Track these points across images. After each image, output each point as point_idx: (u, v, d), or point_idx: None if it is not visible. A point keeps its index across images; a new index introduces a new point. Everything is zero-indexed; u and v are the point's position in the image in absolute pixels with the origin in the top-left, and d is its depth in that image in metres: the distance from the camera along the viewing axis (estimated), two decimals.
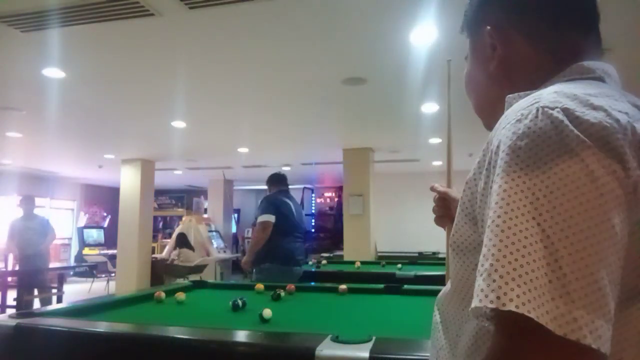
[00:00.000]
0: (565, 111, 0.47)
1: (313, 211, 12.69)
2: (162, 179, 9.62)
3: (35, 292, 5.95)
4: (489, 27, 0.69)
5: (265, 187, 4.37)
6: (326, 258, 6.08)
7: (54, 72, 3.61)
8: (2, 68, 3.57)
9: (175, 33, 2.94)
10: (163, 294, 2.40)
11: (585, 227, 0.43)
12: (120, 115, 5.04)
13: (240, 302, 2.10)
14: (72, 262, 10.58)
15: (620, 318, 0.46)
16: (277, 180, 4.18)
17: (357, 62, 3.44)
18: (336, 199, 12.37)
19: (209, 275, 8.30)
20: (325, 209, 12.68)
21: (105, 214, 12.14)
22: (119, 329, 1.68)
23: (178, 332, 1.60)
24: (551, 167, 0.45)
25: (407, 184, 8.96)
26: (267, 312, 1.83)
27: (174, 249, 8.04)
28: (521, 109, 0.51)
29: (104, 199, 12.08)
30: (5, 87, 4.06)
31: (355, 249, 6.48)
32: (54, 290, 6.08)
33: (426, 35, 2.90)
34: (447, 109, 1.14)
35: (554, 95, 0.51)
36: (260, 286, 2.74)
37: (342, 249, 7.01)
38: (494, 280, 0.42)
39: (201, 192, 11.96)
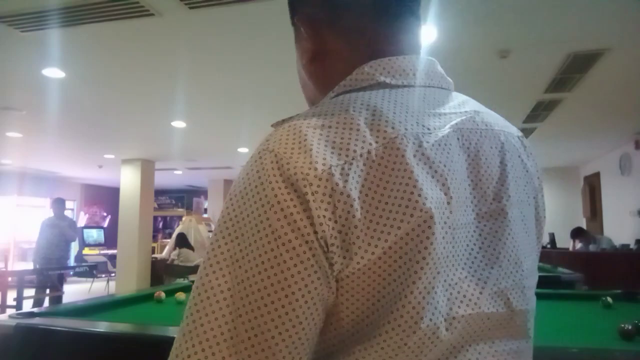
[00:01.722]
0: (277, 157, 0.45)
1: None
2: (162, 179, 9.62)
3: (47, 291, 6.06)
4: (296, 18, 0.62)
5: None
6: None
7: (54, 72, 3.61)
8: (2, 68, 3.57)
9: (175, 33, 2.94)
10: (163, 294, 2.40)
11: (267, 295, 0.42)
12: (120, 115, 5.04)
13: None
14: (72, 262, 10.58)
15: None
16: None
17: None
18: None
19: None
20: None
21: (105, 214, 12.15)
22: (119, 329, 1.68)
23: None
24: (248, 224, 0.44)
25: None
26: None
27: (174, 249, 8.03)
28: (256, 148, 0.49)
29: (104, 199, 12.09)
30: (5, 87, 4.06)
31: None
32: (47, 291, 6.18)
33: (426, 35, 2.90)
34: None
35: (284, 132, 0.47)
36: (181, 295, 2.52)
37: None
38: (179, 346, 0.43)
39: (201, 192, 11.96)
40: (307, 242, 0.42)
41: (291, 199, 0.43)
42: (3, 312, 5.31)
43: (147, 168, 7.88)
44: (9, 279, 5.90)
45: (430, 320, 0.46)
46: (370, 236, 0.44)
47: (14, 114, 4.83)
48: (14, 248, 9.89)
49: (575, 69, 3.50)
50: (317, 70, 0.62)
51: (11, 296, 5.56)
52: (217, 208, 10.79)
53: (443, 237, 0.47)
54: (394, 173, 0.45)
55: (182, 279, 6.81)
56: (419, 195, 0.45)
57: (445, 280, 0.47)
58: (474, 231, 0.51)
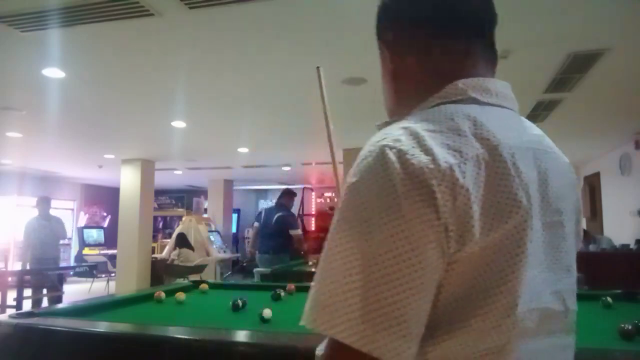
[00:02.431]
0: (399, 153, 0.52)
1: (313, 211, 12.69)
2: (162, 179, 9.62)
3: (44, 291, 6.04)
4: (380, 41, 0.74)
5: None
6: None
7: (54, 72, 3.61)
8: (2, 68, 3.57)
9: (175, 33, 2.94)
10: (163, 294, 2.40)
11: (394, 265, 0.49)
12: (120, 115, 5.04)
13: (240, 302, 2.10)
14: (72, 262, 10.58)
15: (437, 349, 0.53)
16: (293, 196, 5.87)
17: (357, 62, 3.44)
18: (336, 199, 12.34)
19: (209, 275, 8.30)
20: (325, 209, 12.67)
21: (105, 214, 12.14)
22: (119, 329, 1.68)
23: (178, 332, 1.61)
24: (375, 210, 0.51)
25: None
26: (267, 312, 1.82)
27: (174, 249, 8.03)
28: (370, 145, 0.56)
29: (104, 199, 12.08)
30: (5, 87, 4.06)
31: None
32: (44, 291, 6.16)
33: None
34: (324, 117, 1.21)
35: (400, 132, 0.55)
36: (204, 286, 2.83)
37: None
38: (316, 305, 0.52)
39: (201, 192, 11.95)
40: (431, 226, 0.50)
41: (416, 189, 0.50)
42: (3, 312, 5.31)
43: (147, 168, 7.88)
44: (9, 279, 5.90)
45: (522, 306, 0.54)
46: (481, 227, 0.52)
47: (14, 114, 4.83)
48: (14, 248, 9.88)
49: (575, 69, 3.50)
50: (397, 87, 0.72)
51: (11, 296, 5.56)
52: (217, 208, 10.78)
53: (532, 236, 0.56)
54: (498, 175, 0.54)
55: (182, 279, 6.81)
56: (520, 196, 0.55)
57: (530, 274, 0.55)
58: (541, 236, 0.59)
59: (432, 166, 0.51)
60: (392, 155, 0.52)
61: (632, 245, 5.77)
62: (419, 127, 0.56)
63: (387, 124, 0.62)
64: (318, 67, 1.20)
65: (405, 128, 0.56)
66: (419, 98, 0.66)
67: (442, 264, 0.51)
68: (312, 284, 0.53)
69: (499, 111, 0.63)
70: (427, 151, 0.52)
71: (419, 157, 0.52)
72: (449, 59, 0.66)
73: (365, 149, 0.57)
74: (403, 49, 0.69)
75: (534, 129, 0.66)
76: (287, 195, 5.87)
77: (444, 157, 0.52)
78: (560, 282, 0.61)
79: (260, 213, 5.94)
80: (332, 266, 0.51)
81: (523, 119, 0.67)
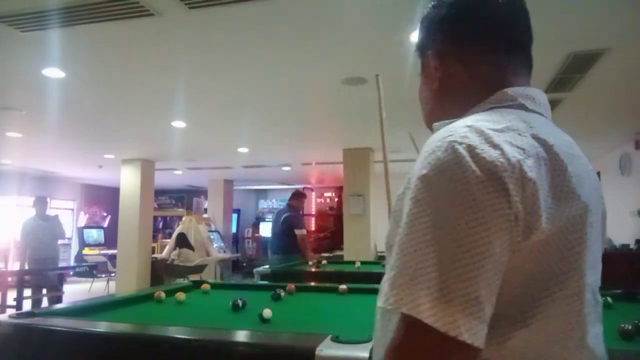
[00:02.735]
0: (469, 147, 0.57)
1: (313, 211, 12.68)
2: (162, 179, 9.61)
3: (44, 291, 6.03)
4: (431, 50, 0.78)
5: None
6: (326, 258, 6.09)
7: (54, 72, 3.61)
8: (2, 68, 3.57)
9: (175, 33, 2.94)
10: (163, 294, 2.40)
11: (469, 250, 0.53)
12: (120, 115, 5.04)
13: (240, 302, 2.10)
14: (72, 262, 10.57)
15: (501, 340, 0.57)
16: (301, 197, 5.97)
17: (357, 62, 3.44)
18: (336, 199, 12.35)
19: (209, 275, 8.30)
20: (325, 209, 12.67)
21: (105, 214, 12.14)
22: (119, 329, 1.68)
23: (178, 332, 1.60)
24: (450, 199, 0.55)
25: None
26: (267, 312, 1.82)
27: (174, 249, 8.03)
28: (437, 141, 0.60)
29: (104, 199, 12.08)
30: (5, 87, 4.06)
31: (356, 249, 6.47)
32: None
33: None
34: (380, 126, 1.23)
35: (466, 130, 0.60)
36: (206, 286, 2.82)
37: (342, 249, 7.00)
38: (394, 287, 0.54)
39: (201, 192, 11.95)
40: (503, 215, 0.54)
41: (489, 180, 0.54)
42: (3, 312, 5.31)
43: (147, 168, 7.88)
44: (9, 279, 5.90)
45: (587, 293, 0.60)
46: (547, 217, 0.56)
47: (14, 114, 4.83)
48: (14, 248, 9.88)
49: (575, 69, 3.50)
50: (444, 93, 0.77)
51: (11, 296, 5.56)
52: (217, 208, 10.78)
53: (589, 227, 0.61)
54: (556, 172, 0.60)
55: (182, 279, 6.81)
56: (578, 190, 0.61)
57: (588, 263, 0.61)
58: (593, 230, 0.63)
59: (502, 160, 0.55)
60: (462, 150, 0.56)
61: (632, 245, 5.78)
62: (484, 125, 0.60)
63: (443, 124, 0.67)
64: (377, 75, 1.25)
65: (469, 126, 0.60)
66: (468, 104, 0.72)
67: (510, 251, 0.55)
68: (387, 269, 0.57)
69: (540, 117, 0.69)
70: (495, 146, 0.57)
71: (489, 152, 0.56)
72: (497, 68, 0.73)
73: (429, 145, 0.61)
74: (454, 58, 0.75)
75: (566, 135, 0.71)
76: (296, 196, 5.93)
77: (511, 152, 0.57)
78: (590, 276, 0.64)
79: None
80: (410, 251, 0.55)
81: (554, 124, 0.72)
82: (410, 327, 0.53)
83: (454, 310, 0.51)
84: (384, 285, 0.56)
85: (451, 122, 0.65)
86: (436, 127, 0.70)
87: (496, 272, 0.54)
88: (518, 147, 0.58)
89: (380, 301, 0.56)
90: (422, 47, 0.82)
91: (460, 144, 0.57)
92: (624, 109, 4.73)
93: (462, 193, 0.54)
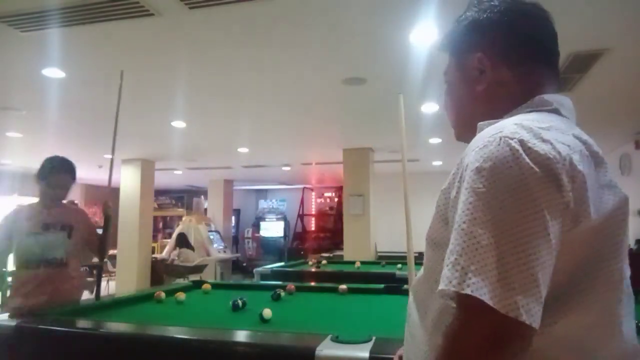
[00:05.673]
0: (521, 142, 0.61)
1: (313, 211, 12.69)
2: (162, 179, 9.61)
3: None
4: (479, 53, 0.81)
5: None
6: (326, 258, 6.09)
7: (54, 72, 3.61)
8: (2, 68, 3.57)
9: (175, 33, 2.94)
10: (163, 294, 2.40)
11: (526, 235, 0.57)
12: (120, 115, 5.03)
13: (240, 302, 2.10)
14: None
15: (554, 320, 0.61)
16: None
17: (357, 62, 3.44)
18: (336, 199, 12.36)
19: (209, 275, 8.30)
20: (325, 209, 12.67)
21: None
22: (119, 329, 1.68)
23: (178, 332, 1.61)
24: (506, 189, 0.59)
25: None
26: (267, 312, 1.83)
27: (174, 249, 8.04)
28: (488, 136, 0.64)
29: (104, 199, 12.05)
30: (5, 87, 4.05)
31: (355, 249, 6.47)
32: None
33: (426, 35, 2.90)
34: (401, 139, 1.31)
35: (515, 127, 0.64)
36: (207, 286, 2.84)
37: (342, 249, 7.00)
38: (457, 270, 0.58)
39: (201, 192, 11.95)
40: (556, 204, 0.59)
41: (543, 171, 0.59)
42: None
43: (147, 168, 7.88)
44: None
45: (625, 280, 0.65)
46: (594, 206, 0.61)
47: (14, 114, 4.83)
48: None
49: (575, 69, 3.50)
50: (491, 96, 0.81)
51: None
52: (217, 208, 10.78)
53: (628, 220, 0.67)
54: (598, 168, 0.66)
55: (182, 279, 6.81)
56: (619, 185, 0.67)
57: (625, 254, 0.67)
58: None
59: (554, 152, 0.60)
60: (514, 144, 0.61)
61: (632, 245, 5.77)
62: (532, 124, 0.65)
63: (488, 123, 0.71)
64: (400, 94, 1.31)
65: (517, 124, 0.65)
66: (511, 106, 0.77)
67: (561, 238, 0.59)
68: (449, 255, 0.60)
69: (570, 122, 0.75)
70: (545, 141, 0.62)
71: (541, 145, 0.61)
72: (537, 75, 0.80)
73: (479, 140, 0.66)
74: (505, 64, 0.80)
75: (584, 135, 0.75)
76: None
77: (561, 146, 0.62)
78: (627, 267, 0.68)
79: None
80: (470, 236, 0.58)
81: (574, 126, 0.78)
82: (471, 308, 0.56)
83: (513, 293, 0.54)
84: (445, 270, 0.60)
85: (496, 122, 0.70)
86: (481, 126, 0.74)
87: (551, 256, 0.57)
88: (564, 144, 0.63)
89: (442, 284, 0.59)
90: (462, 46, 0.86)
91: (512, 138, 0.61)
92: (624, 109, 4.73)
93: (517, 183, 0.58)
